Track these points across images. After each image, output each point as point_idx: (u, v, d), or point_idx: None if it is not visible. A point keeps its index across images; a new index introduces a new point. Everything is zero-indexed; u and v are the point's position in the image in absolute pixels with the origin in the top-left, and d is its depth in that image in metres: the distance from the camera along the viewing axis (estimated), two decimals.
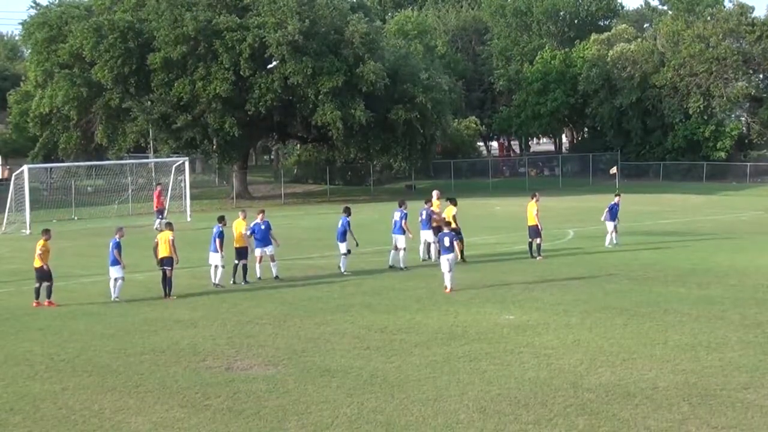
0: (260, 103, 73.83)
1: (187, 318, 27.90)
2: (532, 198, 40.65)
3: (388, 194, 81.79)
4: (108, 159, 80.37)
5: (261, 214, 36.28)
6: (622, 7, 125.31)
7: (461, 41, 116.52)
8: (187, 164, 66.59)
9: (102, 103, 76.29)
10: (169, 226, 34.61)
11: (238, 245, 35.10)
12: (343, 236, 36.71)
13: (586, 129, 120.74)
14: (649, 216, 58.78)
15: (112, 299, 31.46)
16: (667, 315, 26.64)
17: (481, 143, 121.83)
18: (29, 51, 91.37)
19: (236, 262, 35.12)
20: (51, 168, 77.49)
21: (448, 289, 31.36)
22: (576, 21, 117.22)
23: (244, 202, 75.13)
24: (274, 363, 22.07)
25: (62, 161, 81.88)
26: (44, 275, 31.22)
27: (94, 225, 55.16)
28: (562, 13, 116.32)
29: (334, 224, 41.53)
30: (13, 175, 61.70)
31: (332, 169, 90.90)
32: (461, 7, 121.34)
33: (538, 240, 39.45)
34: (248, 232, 35.47)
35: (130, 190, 71.07)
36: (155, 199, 57.61)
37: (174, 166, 67.35)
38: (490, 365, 21.28)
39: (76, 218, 63.30)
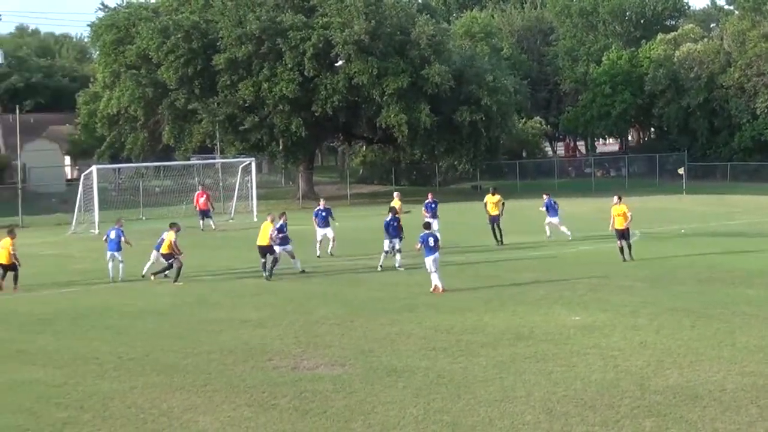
0: (326, 104, 74.01)
1: (254, 318, 28.02)
2: (618, 201, 40.06)
3: (454, 195, 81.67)
4: (175, 159, 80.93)
5: (283, 216, 37.70)
6: (689, 7, 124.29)
7: (526, 42, 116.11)
8: (253, 165, 66.89)
9: (168, 104, 76.84)
10: (174, 226, 36.77)
11: (261, 244, 36.39)
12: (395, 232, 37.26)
13: (652, 129, 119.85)
14: (716, 217, 58.22)
15: (113, 279, 36.09)
16: (734, 317, 26.38)
17: (546, 144, 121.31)
18: (97, 52, 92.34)
19: (263, 260, 36.31)
20: (119, 168, 78.17)
21: (440, 289, 31.23)
22: (642, 21, 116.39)
23: (310, 203, 75.29)
24: (341, 363, 22.12)
25: (130, 161, 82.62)
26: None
27: (162, 225, 55.23)
28: (628, 13, 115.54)
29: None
30: (82, 175, 62.25)
31: (397, 170, 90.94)
32: (523, 7, 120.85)
33: (624, 242, 38.90)
34: (275, 233, 36.48)
35: (197, 191, 71.45)
36: (196, 201, 57.91)
37: (240, 166, 67.66)
38: (557, 366, 21.20)
39: (144, 218, 63.76)
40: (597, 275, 34.73)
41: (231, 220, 61.86)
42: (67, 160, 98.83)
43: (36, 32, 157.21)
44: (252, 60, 74.17)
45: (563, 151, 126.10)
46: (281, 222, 37.13)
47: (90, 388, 20.56)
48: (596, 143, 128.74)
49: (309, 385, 20.21)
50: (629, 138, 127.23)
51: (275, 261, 36.44)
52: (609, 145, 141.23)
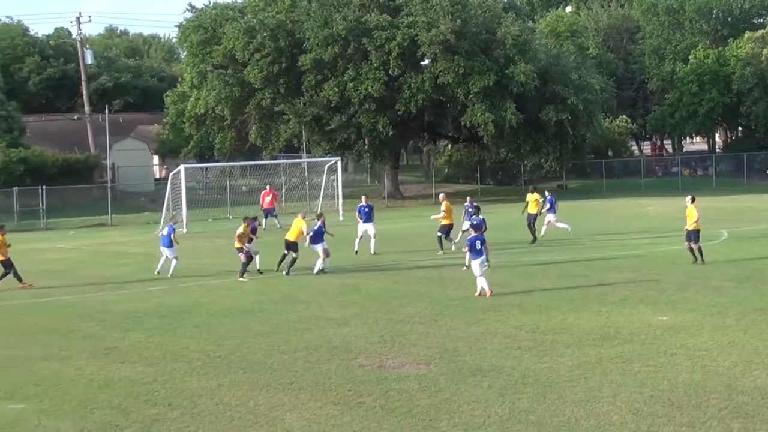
0: (411, 103, 74.11)
1: (339, 316, 28.18)
2: (691, 201, 39.69)
3: (540, 194, 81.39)
4: (262, 159, 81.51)
5: (321, 218, 38.70)
6: None
7: (613, 40, 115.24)
8: (339, 164, 67.17)
9: (254, 104, 77.40)
10: (247, 219, 38.76)
11: (289, 239, 37.48)
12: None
13: (739, 128, 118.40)
14: None
15: (158, 272, 37.95)
16: None
17: (632, 143, 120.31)
18: (185, 53, 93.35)
19: (285, 252, 37.50)
20: (207, 168, 78.92)
21: (487, 293, 30.68)
22: (729, 19, 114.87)
23: (395, 202, 75.69)
24: (426, 362, 22.17)
25: (216, 161, 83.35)
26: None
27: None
28: (715, 11, 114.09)
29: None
30: (170, 174, 62.96)
31: (483, 169, 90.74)
32: (609, 5, 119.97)
33: (693, 244, 38.57)
34: (310, 233, 37.63)
35: (283, 190, 71.96)
36: (262, 200, 58.26)
37: (326, 166, 67.98)
38: (643, 367, 21.07)
39: (231, 217, 64.36)
40: (684, 275, 34.44)
41: (276, 219, 61.78)
42: (156, 159, 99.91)
43: (125, 33, 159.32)
44: (338, 60, 74.48)
45: (650, 151, 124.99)
46: (320, 223, 37.75)
47: (178, 386, 20.79)
48: (683, 142, 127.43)
49: (394, 383, 20.29)
50: (716, 137, 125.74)
51: (294, 260, 37.29)
52: (696, 144, 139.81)
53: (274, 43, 74.75)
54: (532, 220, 45.93)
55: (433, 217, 45.68)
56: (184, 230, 54.55)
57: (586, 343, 23.52)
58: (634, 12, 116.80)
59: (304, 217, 38.57)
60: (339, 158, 68.97)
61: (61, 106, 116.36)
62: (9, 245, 37.03)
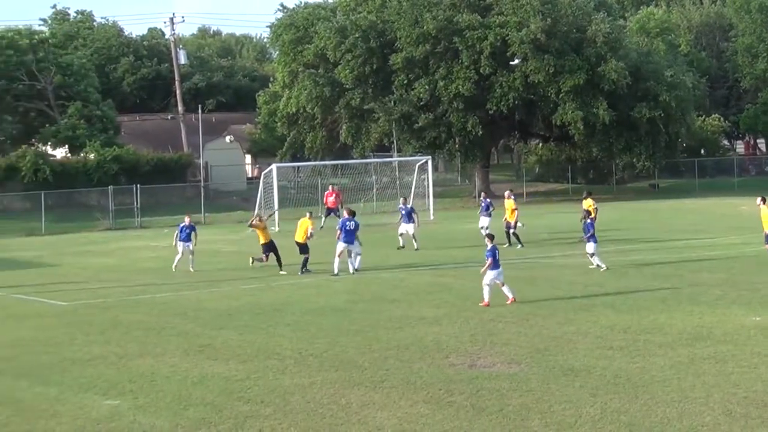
0: (501, 102, 73.97)
1: (430, 315, 28.26)
2: (763, 202, 39.21)
3: (632, 193, 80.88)
4: (352, 158, 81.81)
5: (351, 214, 38.44)
6: None
7: (705, 38, 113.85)
8: (429, 163, 67.20)
9: (344, 103, 77.73)
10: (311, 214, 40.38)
11: (297, 240, 38.50)
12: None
13: None
14: None
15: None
16: None
17: (725, 142, 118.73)
18: (277, 52, 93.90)
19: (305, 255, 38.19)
20: (298, 167, 79.38)
21: (510, 299, 30.00)
22: None
23: None
24: (517, 361, 22.18)
25: (308, 160, 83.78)
26: None
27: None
28: None
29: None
30: (263, 173, 63.39)
31: (574, 168, 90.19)
32: (702, 3, 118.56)
33: None
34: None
35: (374, 189, 72.16)
36: (326, 199, 58.32)
37: (417, 165, 68.05)
38: (737, 367, 20.91)
39: (322, 215, 64.62)
40: None
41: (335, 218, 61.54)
42: (248, 158, 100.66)
43: (217, 33, 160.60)
44: (428, 59, 74.57)
45: (743, 150, 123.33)
46: (353, 220, 37.96)
47: (271, 383, 21.00)
48: None
49: (485, 382, 20.34)
50: None
51: (305, 260, 38.13)
52: None
53: (366, 44, 75.01)
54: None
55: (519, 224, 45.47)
56: (276, 228, 54.87)
57: (679, 344, 23.38)
58: (727, 9, 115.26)
59: (311, 217, 39.71)
60: (429, 157, 68.94)
61: (155, 105, 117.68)
62: None
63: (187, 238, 40.34)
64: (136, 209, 67.24)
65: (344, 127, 79.85)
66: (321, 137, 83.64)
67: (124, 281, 38.38)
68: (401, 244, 44.85)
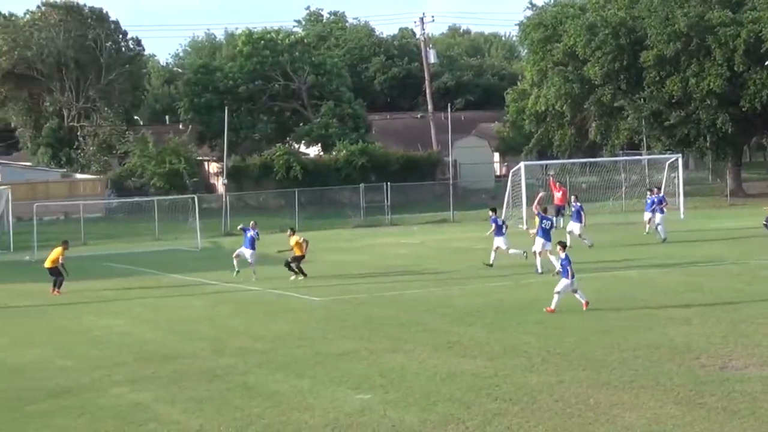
0: (755, 99, 72.03)
1: (680, 315, 27.85)
2: None
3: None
4: (601, 156, 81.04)
5: (494, 212, 40.76)
6: None
7: None
8: (680, 161, 66.04)
9: (594, 100, 77.15)
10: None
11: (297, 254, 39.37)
12: None
13: None
14: None
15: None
16: None
17: None
18: (525, 51, 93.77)
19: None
20: (546, 165, 79.12)
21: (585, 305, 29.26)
22: None
23: (738, 200, 73.73)
24: None
25: (555, 158, 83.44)
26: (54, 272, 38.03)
27: (600, 220, 54.95)
28: None
29: None
30: (511, 171, 63.47)
31: None
32: None
33: None
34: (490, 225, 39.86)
35: (623, 188, 71.34)
36: (552, 193, 56.33)
37: (667, 163, 66.95)
38: None
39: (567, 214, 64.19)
40: None
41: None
42: (496, 156, 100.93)
43: (467, 32, 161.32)
44: (680, 56, 73.25)
45: None
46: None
47: (519, 381, 21.08)
48: None
49: (737, 385, 19.95)
50: None
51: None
52: None
53: (615, 41, 74.27)
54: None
55: None
56: (524, 227, 54.71)
57: None
58: None
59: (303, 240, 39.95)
60: (679, 155, 67.67)
61: (405, 104, 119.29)
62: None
63: (251, 244, 40.23)
64: (386, 207, 68.30)
65: (593, 125, 79.28)
66: (569, 135, 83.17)
67: (375, 278, 39.12)
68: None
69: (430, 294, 34.33)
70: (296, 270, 39.05)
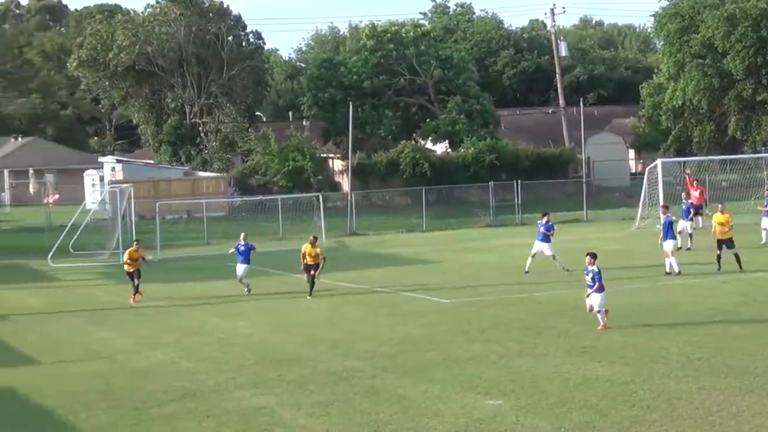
0: None
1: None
2: None
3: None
4: (743, 152, 79.06)
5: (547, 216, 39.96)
6: None
7: None
8: None
9: (734, 95, 75.59)
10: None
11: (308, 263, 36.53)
12: None
13: None
14: None
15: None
16: None
17: None
18: (661, 43, 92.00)
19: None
20: (684, 162, 77.41)
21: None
22: None
23: None
24: None
25: (695, 155, 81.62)
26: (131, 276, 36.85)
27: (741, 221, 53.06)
28: None
29: None
30: (647, 169, 62.16)
31: None
32: None
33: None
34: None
35: (766, 185, 69.36)
36: (689, 192, 53.69)
37: None
38: None
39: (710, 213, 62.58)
40: None
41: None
42: (631, 153, 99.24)
43: (599, 24, 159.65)
44: None
45: None
46: (549, 222, 38.63)
47: (657, 387, 20.53)
48: None
49: None
50: None
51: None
52: None
53: (756, 33, 72.62)
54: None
55: None
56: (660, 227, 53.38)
57: None
58: None
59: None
60: None
61: (535, 99, 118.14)
62: (143, 258, 37.76)
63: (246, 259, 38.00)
64: (516, 205, 67.27)
65: (733, 120, 77.60)
66: (708, 131, 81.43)
67: (504, 279, 38.59)
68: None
69: (558, 296, 33.68)
70: (311, 283, 36.39)
